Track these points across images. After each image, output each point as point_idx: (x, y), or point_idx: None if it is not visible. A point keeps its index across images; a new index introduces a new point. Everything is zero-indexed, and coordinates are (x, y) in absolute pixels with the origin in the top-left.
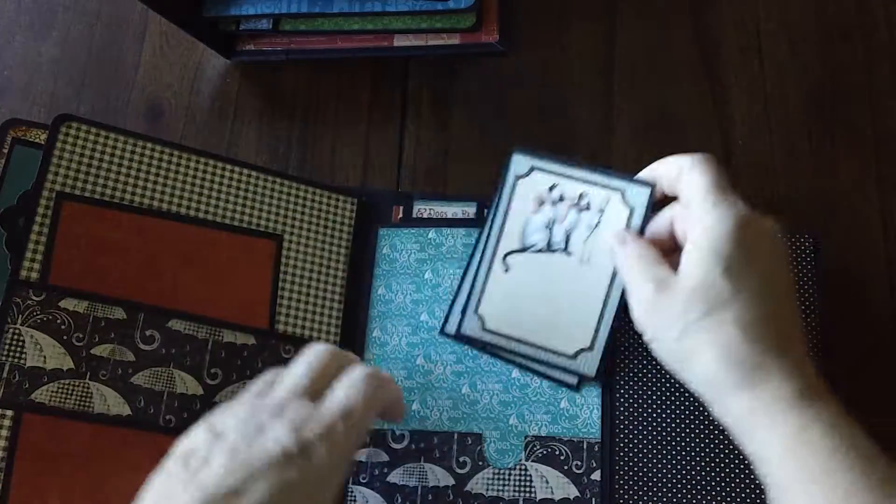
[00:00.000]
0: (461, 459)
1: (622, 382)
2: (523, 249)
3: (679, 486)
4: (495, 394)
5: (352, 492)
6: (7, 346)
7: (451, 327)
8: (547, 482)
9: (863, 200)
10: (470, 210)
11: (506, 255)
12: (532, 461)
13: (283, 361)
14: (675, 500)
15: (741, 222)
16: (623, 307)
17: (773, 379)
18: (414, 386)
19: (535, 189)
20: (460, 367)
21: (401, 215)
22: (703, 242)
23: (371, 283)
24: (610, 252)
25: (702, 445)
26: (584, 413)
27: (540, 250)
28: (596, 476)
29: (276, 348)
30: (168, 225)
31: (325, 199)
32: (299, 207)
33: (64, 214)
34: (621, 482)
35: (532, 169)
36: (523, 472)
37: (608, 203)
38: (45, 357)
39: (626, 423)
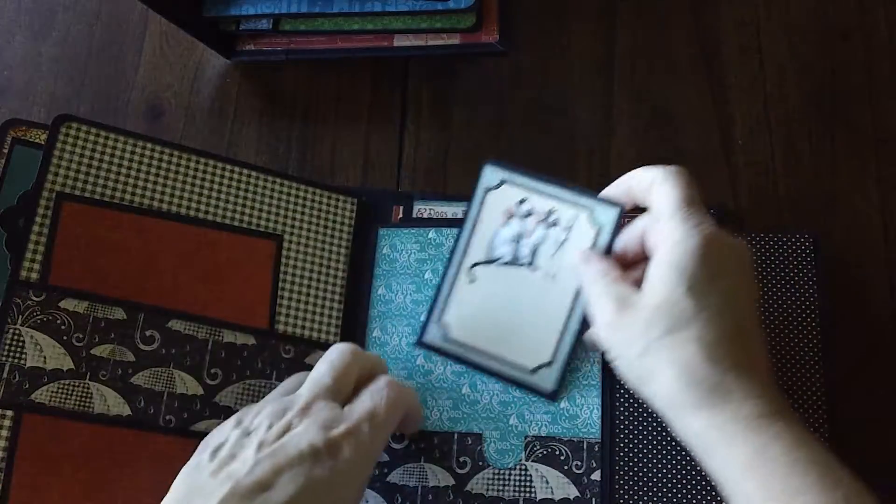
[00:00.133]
0: (461, 459)
1: (622, 382)
2: (490, 261)
3: (679, 486)
4: (495, 394)
5: None
6: (7, 347)
7: (416, 337)
8: (547, 482)
9: (863, 200)
10: None
11: (472, 266)
12: (532, 461)
13: (283, 361)
14: (675, 500)
15: (707, 240)
16: (585, 324)
17: (733, 398)
18: (414, 386)
19: (504, 202)
20: (460, 367)
21: (401, 215)
22: (669, 259)
23: (371, 283)
24: (575, 270)
25: None
26: (584, 413)
27: (506, 263)
28: (596, 476)
29: (276, 348)
30: (168, 225)
31: (325, 199)
32: (299, 207)
33: (64, 215)
34: (621, 482)
35: (503, 182)
36: (523, 473)
37: (576, 221)
38: (45, 357)
39: (626, 423)
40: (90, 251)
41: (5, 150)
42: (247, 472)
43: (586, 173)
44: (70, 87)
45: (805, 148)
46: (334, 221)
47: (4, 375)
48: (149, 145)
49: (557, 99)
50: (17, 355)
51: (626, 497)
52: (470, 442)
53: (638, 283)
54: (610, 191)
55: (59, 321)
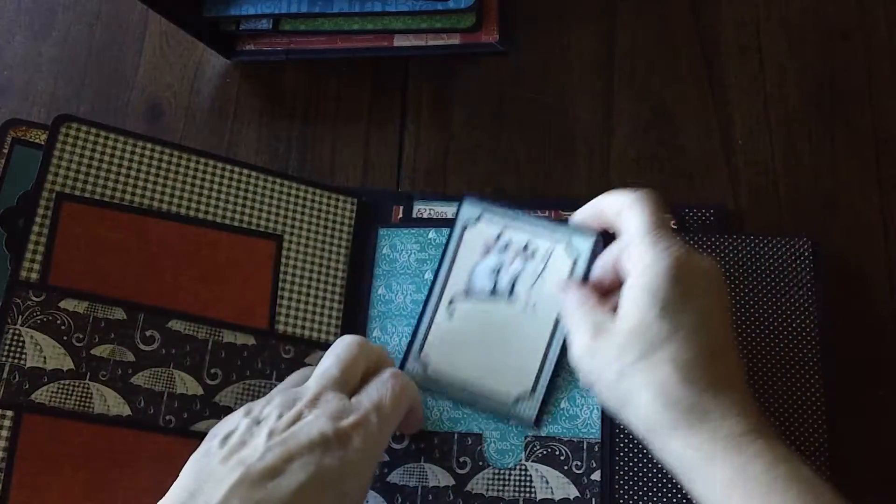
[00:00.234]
0: (461, 459)
1: None
2: (468, 295)
3: (678, 486)
4: None
5: None
6: (7, 347)
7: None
8: (547, 482)
9: (863, 200)
10: None
11: (451, 302)
12: (532, 461)
13: (283, 362)
14: (674, 500)
15: (678, 261)
16: (565, 354)
17: (710, 418)
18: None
19: (482, 236)
20: None
21: (401, 215)
22: (640, 282)
23: (371, 283)
24: (554, 300)
25: None
26: (584, 413)
27: (485, 297)
28: (596, 476)
29: (276, 348)
30: (168, 225)
31: (325, 199)
32: (299, 208)
33: (64, 215)
34: (621, 482)
35: (481, 216)
36: (523, 473)
37: (553, 252)
38: (45, 357)
39: None
40: (90, 251)
41: (5, 151)
42: (258, 458)
43: (586, 173)
44: (70, 87)
45: (805, 148)
46: (334, 221)
47: (4, 375)
48: (149, 145)
49: (557, 99)
50: (17, 355)
51: (626, 497)
52: (470, 442)
53: (615, 309)
54: (580, 214)
55: (59, 321)
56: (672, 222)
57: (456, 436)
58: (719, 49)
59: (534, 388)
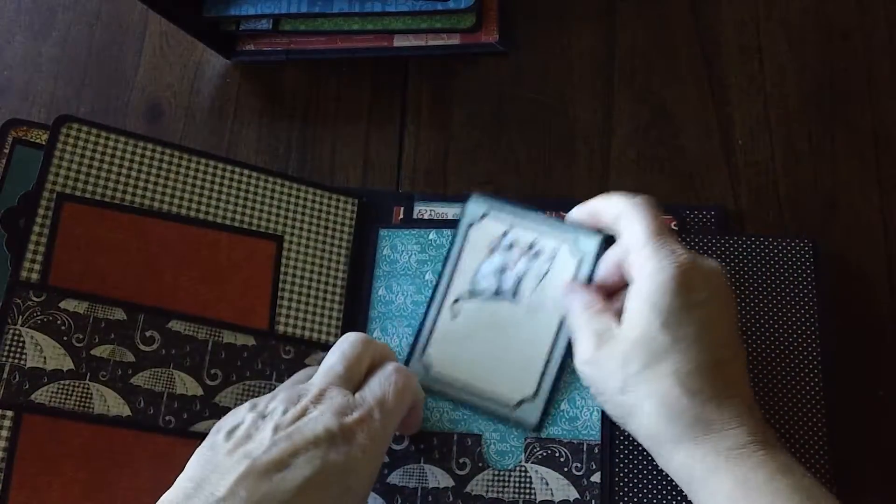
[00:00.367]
0: (461, 461)
1: None
2: (473, 295)
3: (678, 488)
4: None
5: None
6: (7, 347)
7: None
8: (547, 484)
9: (863, 200)
10: None
11: (455, 301)
12: (532, 463)
13: (283, 362)
14: (674, 502)
15: (680, 270)
16: (568, 356)
17: (713, 430)
18: None
19: (487, 235)
20: None
21: (401, 216)
22: (643, 293)
23: (371, 284)
24: (559, 302)
25: None
26: (584, 415)
27: (489, 296)
28: (596, 478)
29: (276, 349)
30: (168, 226)
31: (325, 199)
32: (299, 208)
33: (64, 215)
34: (621, 484)
35: (486, 214)
36: (523, 474)
37: (558, 252)
38: (45, 358)
39: None
40: (90, 252)
41: (6, 151)
42: (263, 451)
43: (586, 173)
44: (70, 87)
45: (805, 148)
46: (335, 222)
47: (4, 376)
48: (149, 146)
49: (557, 99)
50: (18, 356)
51: (626, 499)
52: (470, 443)
53: (619, 314)
54: (575, 213)
55: (59, 322)
56: (673, 223)
57: (456, 437)
58: (719, 49)
59: (537, 392)
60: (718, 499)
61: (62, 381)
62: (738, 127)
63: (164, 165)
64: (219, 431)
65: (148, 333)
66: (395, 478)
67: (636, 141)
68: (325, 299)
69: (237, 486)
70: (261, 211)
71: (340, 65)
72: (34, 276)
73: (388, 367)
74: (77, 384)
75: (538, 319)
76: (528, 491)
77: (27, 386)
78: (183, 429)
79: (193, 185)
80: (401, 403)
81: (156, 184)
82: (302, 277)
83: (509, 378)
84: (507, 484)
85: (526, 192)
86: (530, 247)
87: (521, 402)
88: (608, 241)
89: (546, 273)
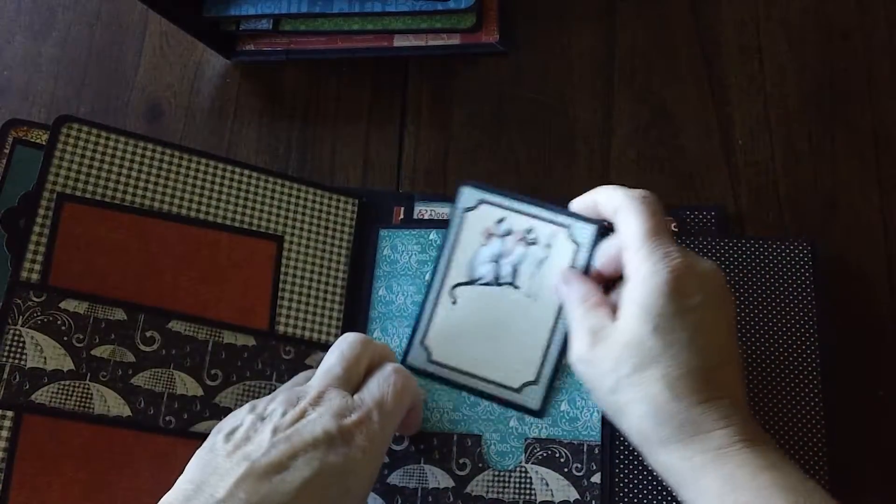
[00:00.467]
0: (461, 461)
1: None
2: (471, 282)
3: None
4: None
5: None
6: (7, 347)
7: (401, 357)
8: (547, 484)
9: (863, 200)
10: None
11: (454, 287)
12: (532, 463)
13: (284, 363)
14: (674, 503)
15: (674, 274)
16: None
17: (702, 432)
18: None
19: (483, 222)
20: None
21: (402, 216)
22: (636, 295)
23: (372, 284)
24: (556, 290)
25: None
26: (585, 415)
27: (487, 283)
28: (596, 479)
29: (276, 349)
30: (168, 226)
31: (325, 199)
32: (300, 208)
33: (64, 215)
34: (621, 485)
35: (480, 202)
36: (523, 475)
37: (555, 238)
38: (45, 358)
39: None
40: (90, 252)
41: (6, 151)
42: (262, 453)
43: (586, 173)
44: (70, 87)
45: (805, 148)
46: (335, 222)
47: (5, 376)
48: (149, 146)
49: (557, 99)
50: (18, 356)
51: (626, 500)
52: (470, 443)
53: (615, 309)
54: (575, 204)
55: (59, 322)
56: (673, 224)
57: (456, 437)
58: (719, 49)
59: (538, 376)
60: (708, 497)
61: (62, 382)
62: (738, 127)
63: (164, 165)
64: (218, 433)
65: (148, 334)
66: (395, 478)
67: (636, 141)
68: (325, 299)
69: (237, 487)
70: (261, 211)
71: (340, 65)
72: (34, 276)
73: (387, 368)
74: (77, 384)
75: (537, 305)
76: (528, 491)
77: (27, 386)
78: (183, 429)
79: (193, 186)
80: (400, 404)
81: (156, 184)
82: (302, 277)
83: (510, 364)
84: (507, 484)
85: (526, 192)
86: (527, 233)
87: (524, 386)
88: (605, 229)
89: (544, 259)
